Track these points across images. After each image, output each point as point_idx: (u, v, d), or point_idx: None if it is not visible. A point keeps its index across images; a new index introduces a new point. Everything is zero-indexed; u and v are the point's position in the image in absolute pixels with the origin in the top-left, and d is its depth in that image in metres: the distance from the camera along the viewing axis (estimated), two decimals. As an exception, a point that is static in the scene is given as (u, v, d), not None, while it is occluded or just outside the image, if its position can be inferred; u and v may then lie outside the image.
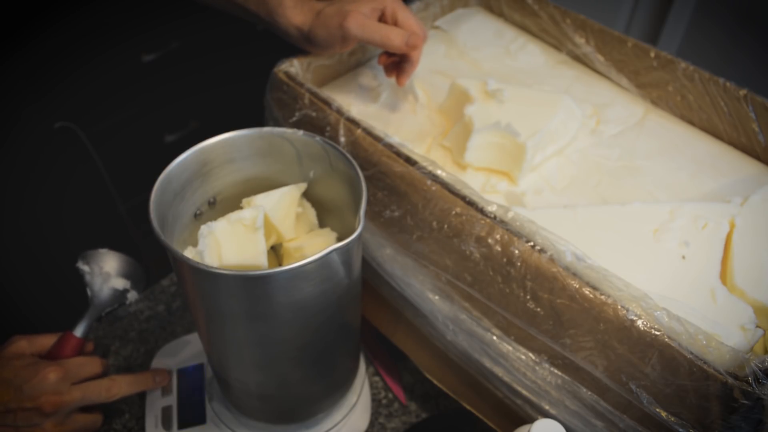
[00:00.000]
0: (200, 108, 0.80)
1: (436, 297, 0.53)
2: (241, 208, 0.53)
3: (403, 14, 0.59)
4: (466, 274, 0.50)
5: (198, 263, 0.42)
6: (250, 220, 0.50)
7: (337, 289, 0.48)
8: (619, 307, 0.42)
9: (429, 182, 0.51)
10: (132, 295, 0.60)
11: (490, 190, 0.59)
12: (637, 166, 0.61)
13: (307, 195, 0.57)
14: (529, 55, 0.75)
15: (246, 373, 0.54)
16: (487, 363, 0.52)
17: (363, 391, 0.65)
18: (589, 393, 0.46)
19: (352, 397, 0.64)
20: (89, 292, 0.59)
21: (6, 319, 0.66)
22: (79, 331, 0.58)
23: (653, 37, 1.14)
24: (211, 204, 0.55)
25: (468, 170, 0.61)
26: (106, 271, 0.60)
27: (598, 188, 0.59)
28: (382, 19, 0.60)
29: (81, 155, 0.65)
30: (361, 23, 0.57)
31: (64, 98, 0.62)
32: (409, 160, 0.52)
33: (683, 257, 0.52)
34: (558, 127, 0.61)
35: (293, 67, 0.63)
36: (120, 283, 0.60)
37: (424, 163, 0.52)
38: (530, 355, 0.49)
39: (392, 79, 0.65)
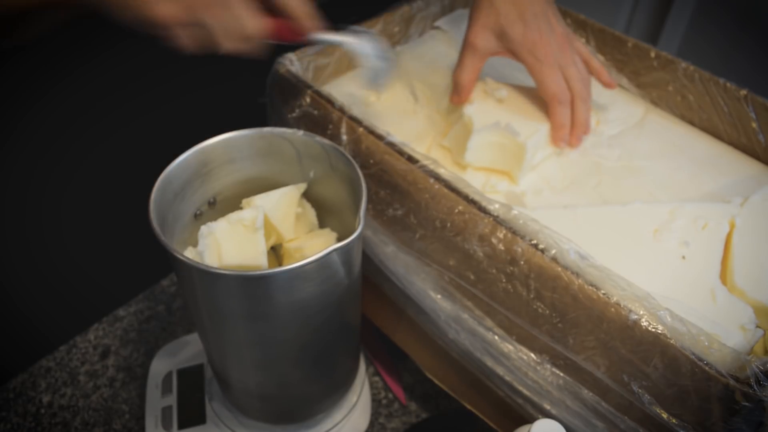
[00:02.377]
0: (200, 107, 0.80)
1: (438, 295, 0.53)
2: (241, 208, 0.53)
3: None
4: (469, 273, 0.50)
5: (198, 263, 0.42)
6: (250, 221, 0.50)
7: (337, 290, 0.48)
8: (622, 306, 0.42)
9: (431, 181, 0.51)
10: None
11: (490, 191, 0.59)
12: (637, 166, 0.61)
13: (307, 195, 0.57)
14: (529, 54, 0.74)
15: (246, 373, 0.54)
16: (489, 362, 0.52)
17: (363, 391, 0.65)
18: (591, 393, 0.46)
19: (352, 397, 0.64)
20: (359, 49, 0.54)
21: (7, 319, 0.66)
22: (318, 35, 0.52)
23: (653, 37, 1.14)
24: (211, 204, 0.55)
25: (468, 170, 0.61)
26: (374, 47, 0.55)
27: (598, 188, 0.59)
28: None
29: (81, 154, 0.65)
30: None
31: (63, 97, 0.62)
32: (411, 159, 0.52)
33: (683, 257, 0.52)
34: None
35: (293, 66, 0.64)
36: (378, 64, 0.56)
37: (425, 162, 0.52)
38: (532, 355, 0.49)
39: (391, 80, 0.65)
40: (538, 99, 0.62)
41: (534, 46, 0.57)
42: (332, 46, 0.54)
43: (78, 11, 0.44)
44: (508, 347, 0.50)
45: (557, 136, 0.60)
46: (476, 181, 0.60)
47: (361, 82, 0.56)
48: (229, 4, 0.46)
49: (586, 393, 0.46)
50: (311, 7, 0.50)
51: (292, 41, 0.52)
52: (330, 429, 0.62)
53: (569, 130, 0.60)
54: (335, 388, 0.60)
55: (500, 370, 0.51)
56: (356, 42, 0.54)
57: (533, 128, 0.59)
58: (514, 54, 0.59)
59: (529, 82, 0.62)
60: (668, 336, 0.40)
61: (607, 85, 0.64)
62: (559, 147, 0.61)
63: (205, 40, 0.47)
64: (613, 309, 0.42)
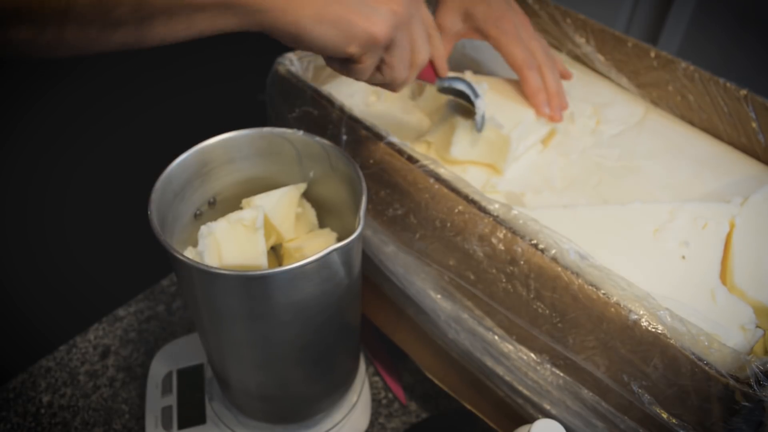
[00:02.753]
0: (200, 107, 0.80)
1: (438, 295, 0.53)
2: (241, 208, 0.53)
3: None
4: (469, 273, 0.50)
5: (198, 263, 0.42)
6: (250, 221, 0.50)
7: (337, 290, 0.48)
8: (622, 306, 0.42)
9: (431, 180, 0.51)
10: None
11: (490, 190, 0.59)
12: (637, 166, 0.61)
13: (307, 195, 0.57)
14: (529, 55, 0.74)
15: (246, 374, 0.54)
16: (489, 362, 0.52)
17: (363, 391, 0.65)
18: (591, 393, 0.46)
19: (352, 397, 0.64)
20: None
21: (7, 319, 0.66)
22: (445, 81, 0.56)
23: (653, 37, 1.14)
24: (211, 204, 0.55)
25: (454, 166, 0.61)
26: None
27: (598, 188, 0.59)
28: None
29: (81, 154, 0.65)
30: None
31: (63, 97, 0.62)
32: (411, 159, 0.52)
33: (683, 257, 0.52)
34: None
35: (293, 65, 0.64)
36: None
37: (425, 162, 0.52)
38: (532, 355, 0.49)
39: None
40: (518, 91, 0.63)
41: (498, 21, 0.61)
42: (452, 89, 0.58)
43: (243, 22, 0.38)
44: (508, 347, 0.50)
45: (537, 101, 0.61)
46: (477, 180, 0.60)
47: (474, 125, 0.59)
48: (418, 27, 0.46)
49: (586, 393, 0.46)
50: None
51: (424, 80, 0.55)
52: (330, 429, 0.62)
53: (546, 96, 0.62)
54: (335, 388, 0.60)
55: (500, 370, 0.51)
56: (469, 88, 0.58)
57: (516, 120, 0.60)
58: (479, 32, 0.62)
59: (508, 74, 0.64)
60: (668, 336, 0.40)
61: (563, 75, 0.66)
62: (543, 114, 0.62)
63: (385, 63, 0.45)
64: (613, 309, 0.42)
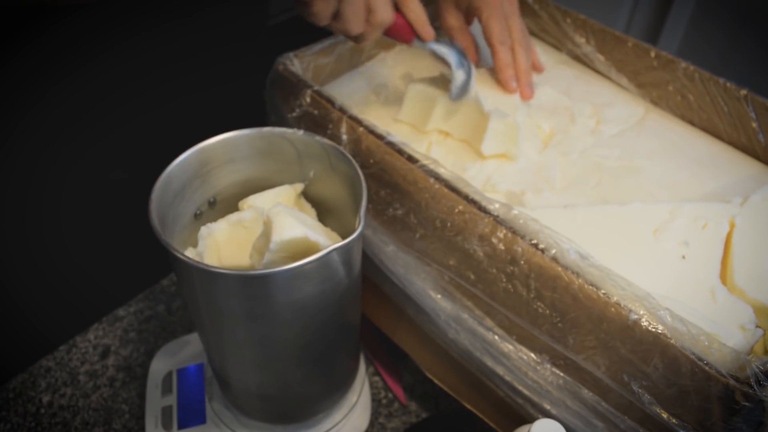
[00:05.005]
0: (200, 107, 0.80)
1: (439, 295, 0.53)
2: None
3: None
4: (469, 273, 0.50)
5: (198, 263, 0.42)
6: (250, 222, 0.50)
7: (337, 289, 0.48)
8: (622, 306, 0.42)
9: (431, 180, 0.51)
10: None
11: (490, 190, 0.59)
12: (637, 166, 0.61)
13: (307, 195, 0.57)
14: (529, 55, 0.75)
15: (246, 373, 0.54)
16: (489, 362, 0.52)
17: (363, 391, 0.65)
18: (591, 393, 0.46)
19: (352, 396, 0.64)
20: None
21: (7, 319, 0.66)
22: (424, 44, 0.57)
23: (653, 37, 1.14)
24: (211, 204, 0.55)
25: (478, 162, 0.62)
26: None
27: (598, 188, 0.59)
28: None
29: (81, 154, 0.65)
30: None
31: (63, 98, 0.62)
32: (411, 159, 0.52)
33: (683, 257, 0.52)
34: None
35: (294, 65, 0.64)
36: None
37: (425, 162, 0.52)
38: (532, 355, 0.49)
39: (392, 79, 0.66)
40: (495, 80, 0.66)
41: None
42: (425, 51, 0.60)
43: None
44: (508, 347, 0.50)
45: (504, 76, 0.64)
46: (477, 180, 0.60)
47: (450, 93, 0.61)
48: None
49: (586, 393, 0.46)
50: (426, 16, 0.55)
51: (400, 40, 0.57)
52: (330, 429, 0.62)
53: (514, 72, 0.64)
54: (335, 388, 0.60)
55: (500, 370, 0.51)
56: (448, 53, 0.60)
57: (512, 106, 0.62)
58: (471, 8, 0.64)
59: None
60: (668, 336, 0.40)
61: (535, 66, 0.69)
62: (510, 89, 0.64)
63: (340, 13, 0.48)
64: (613, 309, 0.42)
